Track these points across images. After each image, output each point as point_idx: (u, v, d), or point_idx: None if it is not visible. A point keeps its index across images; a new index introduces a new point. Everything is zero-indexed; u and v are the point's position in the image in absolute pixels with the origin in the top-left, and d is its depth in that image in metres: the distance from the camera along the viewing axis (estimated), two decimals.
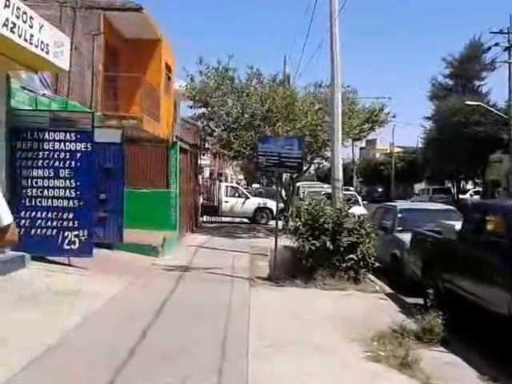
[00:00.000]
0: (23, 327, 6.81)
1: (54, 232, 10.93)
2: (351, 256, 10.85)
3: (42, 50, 10.34)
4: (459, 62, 55.48)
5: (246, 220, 28.69)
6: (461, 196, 49.89)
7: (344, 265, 10.86)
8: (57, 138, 11.12)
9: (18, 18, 8.65)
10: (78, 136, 11.19)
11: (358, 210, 14.85)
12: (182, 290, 10.13)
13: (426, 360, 6.36)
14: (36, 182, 11.03)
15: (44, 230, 10.93)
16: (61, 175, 11.06)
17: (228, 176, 66.98)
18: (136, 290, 10.06)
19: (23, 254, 10.18)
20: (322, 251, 10.90)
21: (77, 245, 10.98)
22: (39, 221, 10.94)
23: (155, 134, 19.89)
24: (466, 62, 54.19)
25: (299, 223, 11.42)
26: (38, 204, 11.00)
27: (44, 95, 13.66)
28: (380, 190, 72.48)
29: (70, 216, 11.01)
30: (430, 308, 8.92)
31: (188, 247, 16.90)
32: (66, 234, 10.95)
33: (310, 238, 11.10)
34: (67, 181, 11.07)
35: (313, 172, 56.14)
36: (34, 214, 10.95)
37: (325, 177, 66.32)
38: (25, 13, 8.90)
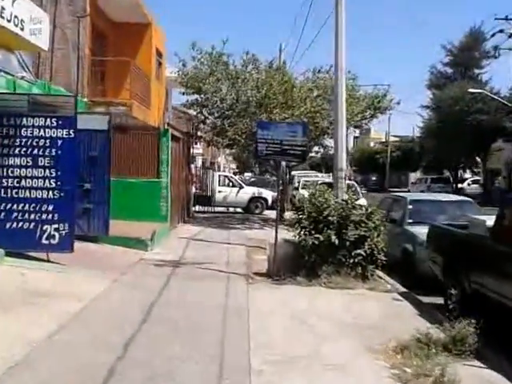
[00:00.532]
0: None
1: (32, 225, 9.91)
2: (359, 251, 9.91)
3: (16, 25, 9.39)
4: (459, 49, 54.60)
5: (239, 210, 27.78)
6: (459, 185, 49.08)
7: (351, 261, 9.92)
8: (36, 124, 10.09)
9: None
10: (60, 122, 10.18)
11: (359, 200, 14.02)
12: (172, 290, 9.15)
13: (466, 381, 5.40)
14: (12, 172, 10.01)
15: (21, 224, 9.91)
16: (40, 164, 10.03)
17: (221, 165, 65.93)
18: (120, 290, 9.08)
19: None
20: (327, 246, 9.96)
21: (56, 239, 9.98)
22: (15, 213, 9.91)
23: (146, 122, 18.87)
24: (466, 49, 53.34)
25: (301, 215, 10.46)
26: (15, 195, 9.98)
27: (23, 78, 12.64)
28: (374, 178, 71.81)
29: (50, 208, 9.99)
30: (452, 310, 8.09)
31: (179, 239, 15.95)
32: (44, 227, 9.95)
33: (313, 232, 10.15)
34: (47, 170, 10.05)
35: (293, 163, 55.09)
36: (9, 206, 9.93)
37: (317, 166, 65.64)
38: None
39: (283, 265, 10.49)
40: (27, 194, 9.99)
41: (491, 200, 29.03)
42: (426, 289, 9.71)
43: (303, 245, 10.14)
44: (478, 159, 52.17)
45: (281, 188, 23.60)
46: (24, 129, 10.07)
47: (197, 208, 26.13)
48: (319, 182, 27.78)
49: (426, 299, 9.27)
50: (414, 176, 67.67)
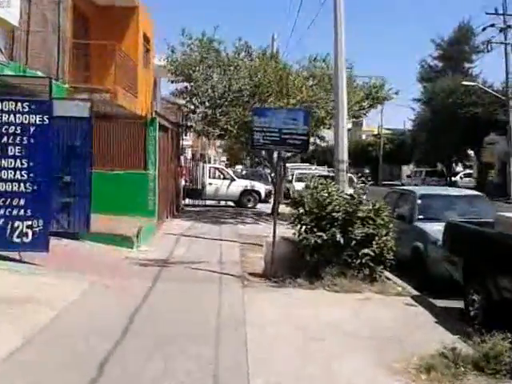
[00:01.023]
0: None
1: (1, 222, 8.89)
2: (366, 251, 8.93)
3: None
4: (449, 43, 54.26)
5: (231, 203, 26.79)
6: (453, 179, 48.34)
7: (357, 261, 8.94)
8: (5, 109, 9.08)
9: None
10: (33, 107, 9.17)
11: None
12: (158, 296, 8.14)
13: None
14: None
15: None
16: (9, 153, 9.02)
17: (211, 157, 64.81)
18: (100, 296, 8.05)
19: None
20: (331, 245, 8.99)
21: (29, 237, 8.96)
22: None
23: (132, 111, 17.75)
24: (456, 43, 52.98)
25: (302, 211, 9.46)
26: None
27: None
28: (367, 171, 70.93)
29: (22, 202, 8.96)
30: (474, 318, 7.17)
31: (168, 235, 14.97)
32: (15, 224, 8.92)
33: (316, 230, 9.16)
34: (17, 160, 9.02)
35: (288, 154, 54.27)
36: None
37: (309, 159, 64.65)
38: None
39: (282, 265, 9.50)
40: None
41: (485, 194, 28.16)
42: (438, 291, 8.82)
43: (304, 244, 9.16)
44: (471, 152, 51.53)
45: (274, 180, 22.81)
46: None
47: (187, 201, 25.27)
48: (316, 175, 27.04)
49: (439, 302, 8.35)
50: (406, 169, 66.89)
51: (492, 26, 31.29)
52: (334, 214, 9.14)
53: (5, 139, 8.94)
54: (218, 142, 67.64)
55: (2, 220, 8.86)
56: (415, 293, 8.81)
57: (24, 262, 9.14)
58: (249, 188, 26.40)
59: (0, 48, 11.83)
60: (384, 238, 9.10)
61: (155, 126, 15.87)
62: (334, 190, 9.64)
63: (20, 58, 13.11)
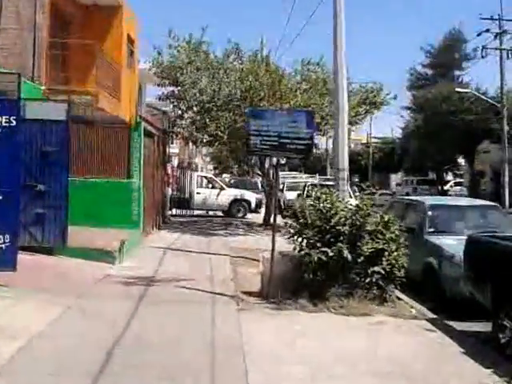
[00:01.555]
0: None
1: None
2: (376, 269, 7.95)
3: None
4: (438, 51, 53.83)
5: (220, 213, 25.78)
6: (444, 188, 47.65)
7: (366, 280, 7.96)
8: None
9: None
10: None
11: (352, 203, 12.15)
12: (142, 323, 7.08)
13: None
14: None
15: None
16: None
17: (198, 165, 63.70)
18: (74, 322, 6.99)
19: None
20: (337, 262, 7.99)
21: None
22: None
23: (115, 115, 16.69)
24: (446, 51, 52.53)
25: (302, 222, 8.47)
26: None
27: None
28: (357, 180, 70.27)
29: None
30: (505, 346, 6.23)
31: (154, 249, 13.90)
32: None
33: (319, 244, 8.16)
34: None
35: (283, 162, 53.37)
36: None
37: (296, 167, 63.77)
38: None
39: (280, 284, 8.47)
40: None
41: None
42: (454, 311, 7.94)
43: (306, 260, 8.15)
44: (461, 161, 50.91)
45: (267, 189, 21.86)
46: None
47: (174, 211, 24.24)
48: (308, 184, 26.12)
49: (458, 325, 7.48)
50: (395, 177, 66.24)
51: (487, 31, 30.54)
52: (339, 227, 8.16)
53: None
54: (204, 150, 66.61)
55: None
56: (431, 315, 7.84)
57: None
58: (239, 197, 25.47)
59: None
60: (395, 253, 8.13)
61: (140, 131, 14.83)
62: (338, 201, 8.68)
63: None
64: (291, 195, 25.90)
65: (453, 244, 8.35)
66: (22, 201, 8.78)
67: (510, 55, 30.12)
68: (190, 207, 25.19)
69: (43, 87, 13.84)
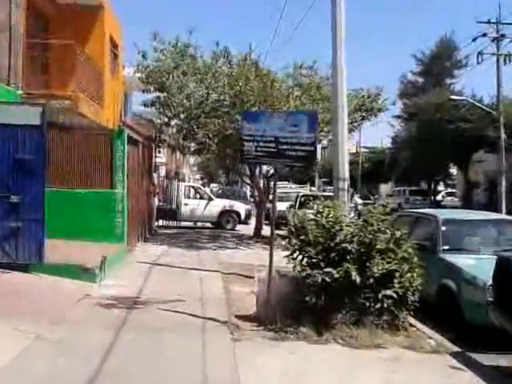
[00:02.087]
0: None
1: None
2: (388, 292, 7.07)
3: None
4: (430, 58, 53.46)
5: (208, 225, 24.86)
6: (436, 198, 47.10)
7: (377, 305, 7.07)
8: None
9: None
10: None
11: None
12: (122, 355, 6.13)
13: None
14: None
15: None
16: None
17: (186, 175, 62.73)
18: (43, 357, 5.99)
19: None
20: (343, 285, 7.09)
21: None
22: None
23: (97, 121, 15.74)
24: (438, 58, 52.17)
25: (303, 238, 7.58)
26: None
27: None
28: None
29: None
30: None
31: (138, 264, 12.95)
32: None
33: (323, 264, 7.27)
34: None
35: (268, 170, 52.79)
36: None
37: (286, 177, 62.94)
38: None
39: (279, 307, 7.55)
40: None
41: None
42: (473, 340, 7.07)
43: (309, 282, 7.24)
44: (453, 171, 50.36)
45: (257, 200, 20.98)
46: None
47: (160, 223, 23.30)
48: (300, 194, 25.24)
49: (484, 358, 6.55)
50: (385, 187, 65.63)
51: (484, 35, 29.73)
52: (345, 244, 7.26)
53: None
54: (191, 160, 65.63)
55: None
56: (454, 348, 6.92)
57: None
58: (228, 208, 24.53)
59: None
60: (408, 275, 7.25)
61: (123, 138, 13.90)
62: (343, 215, 7.80)
63: None
64: (281, 206, 25.04)
65: (473, 264, 7.50)
66: None
67: (507, 61, 29.36)
68: (177, 218, 24.30)
69: (20, 91, 12.89)
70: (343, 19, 10.15)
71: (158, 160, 27.93)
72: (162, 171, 39.49)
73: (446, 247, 8.59)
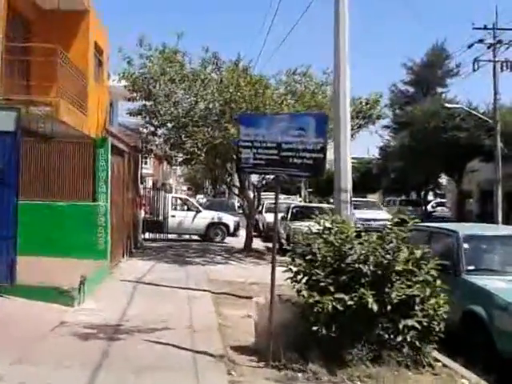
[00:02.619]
0: None
1: None
2: (410, 322, 6.11)
3: None
4: (421, 67, 52.87)
5: (196, 237, 23.91)
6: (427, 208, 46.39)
7: (398, 338, 6.11)
8: None
9: None
10: None
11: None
12: None
13: None
14: None
15: None
16: None
17: (172, 186, 61.67)
18: None
19: None
20: (357, 313, 6.12)
21: None
22: None
23: (80, 130, 14.74)
24: (429, 67, 51.62)
25: (310, 258, 6.62)
26: None
27: None
28: (332, 201, 68.72)
29: None
30: None
31: (122, 283, 12.00)
32: None
33: (332, 289, 6.30)
34: None
35: (260, 180, 52.11)
36: None
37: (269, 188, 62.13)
38: None
39: (282, 338, 6.58)
40: None
41: None
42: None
43: (316, 310, 6.27)
44: (443, 180, 49.77)
45: (247, 212, 20.03)
46: None
47: (147, 235, 22.35)
48: (292, 206, 24.30)
49: None
50: (372, 198, 64.98)
51: (481, 41, 29.03)
52: (358, 265, 6.31)
53: None
54: (178, 170, 64.56)
55: None
56: None
57: None
58: (216, 220, 23.60)
59: None
60: (432, 301, 6.31)
61: (107, 147, 12.89)
62: (353, 231, 6.86)
63: None
64: (271, 217, 24.15)
65: (504, 287, 6.58)
66: None
67: (504, 67, 28.66)
68: (163, 231, 23.33)
69: None
70: (346, 16, 9.35)
71: (144, 171, 27.00)
72: (149, 182, 38.52)
73: (471, 267, 7.63)
